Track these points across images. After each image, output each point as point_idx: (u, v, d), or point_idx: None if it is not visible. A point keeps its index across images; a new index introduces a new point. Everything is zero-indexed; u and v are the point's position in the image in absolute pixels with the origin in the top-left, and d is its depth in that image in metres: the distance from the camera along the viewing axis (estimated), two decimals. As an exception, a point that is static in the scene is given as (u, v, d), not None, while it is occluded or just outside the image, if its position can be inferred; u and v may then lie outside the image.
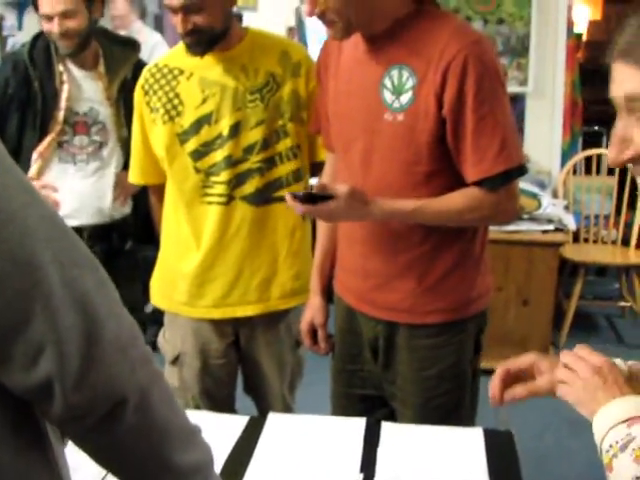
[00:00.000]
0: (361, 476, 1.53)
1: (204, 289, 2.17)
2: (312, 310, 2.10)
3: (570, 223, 3.79)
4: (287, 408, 2.32)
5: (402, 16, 1.72)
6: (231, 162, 2.07)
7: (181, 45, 2.12)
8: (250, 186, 2.10)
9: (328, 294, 2.12)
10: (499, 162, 1.69)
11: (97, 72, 2.61)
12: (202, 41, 2.01)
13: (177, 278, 2.20)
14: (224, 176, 2.08)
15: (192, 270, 2.16)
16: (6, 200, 0.77)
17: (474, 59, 1.65)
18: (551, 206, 3.82)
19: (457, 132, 1.69)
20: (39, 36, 2.58)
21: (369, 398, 2.04)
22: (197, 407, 2.21)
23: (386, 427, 1.72)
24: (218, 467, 1.55)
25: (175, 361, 2.25)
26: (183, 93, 2.09)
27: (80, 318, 0.80)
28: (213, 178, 2.09)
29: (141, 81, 2.17)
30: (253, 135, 2.07)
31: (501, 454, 1.62)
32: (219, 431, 1.68)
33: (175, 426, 0.93)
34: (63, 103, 2.52)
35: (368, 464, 1.57)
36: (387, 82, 1.73)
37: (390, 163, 1.76)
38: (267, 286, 2.17)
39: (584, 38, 6.72)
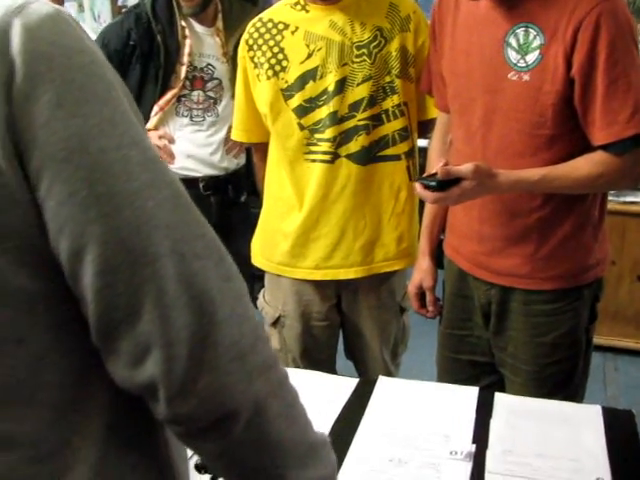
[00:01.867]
0: (474, 447, 1.49)
1: (306, 250, 2.14)
2: (421, 273, 2.07)
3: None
4: (389, 374, 2.28)
5: None
6: (336, 119, 2.02)
7: (287, 0, 2.07)
8: (356, 144, 2.04)
9: (437, 257, 2.07)
10: (631, 126, 1.61)
11: (216, 28, 2.60)
12: None
13: (279, 238, 2.18)
14: (329, 133, 2.03)
15: (294, 230, 2.13)
16: (125, 179, 0.70)
17: (607, 17, 1.56)
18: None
19: (587, 93, 1.61)
20: None
21: (477, 364, 2.01)
22: (297, 368, 2.20)
23: (499, 398, 1.68)
24: (327, 428, 1.54)
25: (276, 323, 2.24)
26: (288, 48, 2.04)
27: (195, 319, 0.71)
28: (317, 135, 2.04)
29: (245, 36, 2.13)
30: (359, 91, 2.01)
31: (621, 434, 1.56)
32: (328, 392, 1.67)
33: (293, 442, 0.83)
34: (185, 58, 2.53)
35: (480, 435, 1.54)
36: (512, 40, 1.66)
37: (512, 124, 1.70)
38: (371, 248, 2.13)
39: None
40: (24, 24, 0.69)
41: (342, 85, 2.00)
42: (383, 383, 1.74)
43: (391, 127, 2.05)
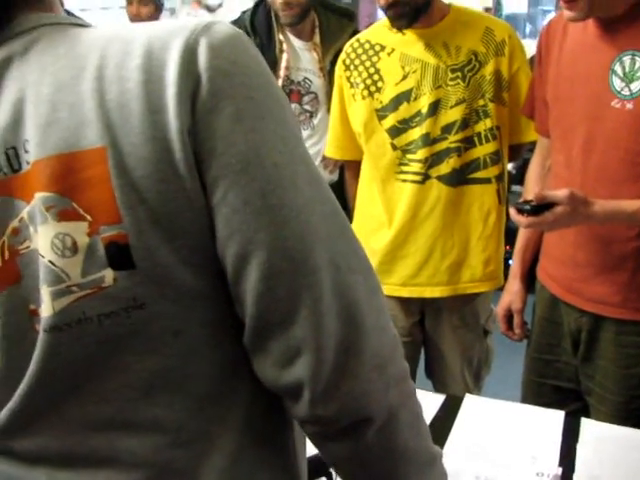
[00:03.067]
0: (560, 470, 1.49)
1: (394, 267, 2.17)
2: (510, 295, 2.07)
3: None
4: None
5: None
6: (429, 140, 2.05)
7: (383, 21, 2.11)
8: (447, 166, 2.07)
9: (527, 281, 2.08)
10: None
11: (313, 43, 2.66)
12: (405, 14, 1.99)
13: (368, 254, 2.20)
14: (421, 154, 2.06)
15: (383, 247, 2.17)
16: (294, 193, 0.75)
17: None
18: None
19: None
20: (260, 3, 2.65)
21: (562, 390, 1.99)
22: None
23: (586, 423, 1.67)
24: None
25: None
26: (384, 69, 2.08)
27: (345, 327, 0.75)
28: (409, 156, 2.08)
29: (343, 56, 2.17)
30: (452, 114, 2.04)
31: None
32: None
33: (416, 451, 0.86)
34: (282, 72, 2.60)
35: (567, 459, 1.54)
36: (617, 68, 1.66)
37: (613, 152, 1.70)
38: (457, 269, 2.15)
39: None
40: (209, 43, 0.74)
41: (435, 107, 2.04)
42: (470, 400, 1.76)
43: (483, 150, 2.08)
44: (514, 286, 2.07)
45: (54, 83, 0.73)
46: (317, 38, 2.66)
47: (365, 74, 2.10)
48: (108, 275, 0.73)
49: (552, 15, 1.87)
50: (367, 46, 2.13)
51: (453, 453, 1.55)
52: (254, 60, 0.77)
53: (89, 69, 0.73)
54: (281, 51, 2.61)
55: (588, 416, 1.89)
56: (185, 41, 0.74)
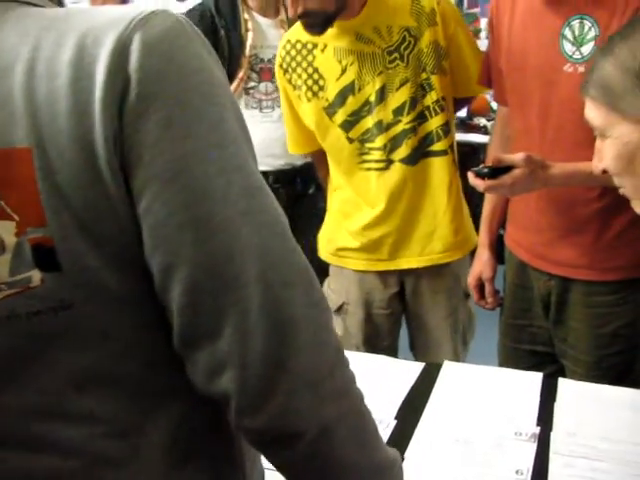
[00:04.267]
0: (538, 429, 1.52)
1: (370, 247, 2.20)
2: (480, 264, 2.11)
3: None
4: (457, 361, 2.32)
5: None
6: (383, 127, 2.06)
7: None
8: (406, 147, 2.08)
9: (497, 250, 2.11)
10: None
11: (280, 20, 2.66)
12: (316, 23, 1.95)
13: (343, 234, 2.24)
14: (379, 141, 2.08)
15: (358, 229, 2.20)
16: (224, 205, 0.71)
17: None
18: None
19: None
20: None
21: (538, 354, 2.03)
22: None
23: (563, 383, 1.70)
24: (393, 411, 1.59)
25: (339, 310, 2.30)
26: (321, 67, 2.07)
27: (274, 345, 0.72)
28: (368, 145, 2.09)
29: (278, 60, 2.16)
30: (400, 96, 2.04)
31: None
32: (394, 376, 1.72)
33: (357, 466, 0.83)
34: (248, 50, 2.59)
35: (545, 419, 1.56)
36: (567, 33, 1.69)
37: (569, 116, 1.72)
38: (429, 240, 2.18)
39: None
40: (144, 40, 0.70)
41: (382, 93, 2.04)
42: (448, 367, 1.79)
43: (434, 123, 2.09)
44: (483, 255, 2.10)
45: None
46: (284, 15, 2.65)
47: (305, 75, 2.09)
48: (35, 276, 0.72)
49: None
50: (299, 46, 2.10)
51: (432, 418, 1.58)
52: (194, 57, 0.73)
53: (21, 61, 0.70)
54: (247, 30, 2.60)
55: (564, 377, 1.94)
56: (118, 36, 0.70)
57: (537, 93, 1.77)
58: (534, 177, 1.67)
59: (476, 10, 5.53)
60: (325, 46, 2.05)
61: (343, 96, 2.06)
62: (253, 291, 0.72)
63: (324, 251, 2.34)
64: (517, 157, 1.65)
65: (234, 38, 2.60)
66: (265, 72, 2.65)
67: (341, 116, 2.07)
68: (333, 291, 2.33)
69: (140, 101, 0.69)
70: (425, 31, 2.01)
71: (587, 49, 1.66)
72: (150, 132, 0.69)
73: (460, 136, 4.26)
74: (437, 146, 2.10)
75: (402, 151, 2.08)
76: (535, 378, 1.72)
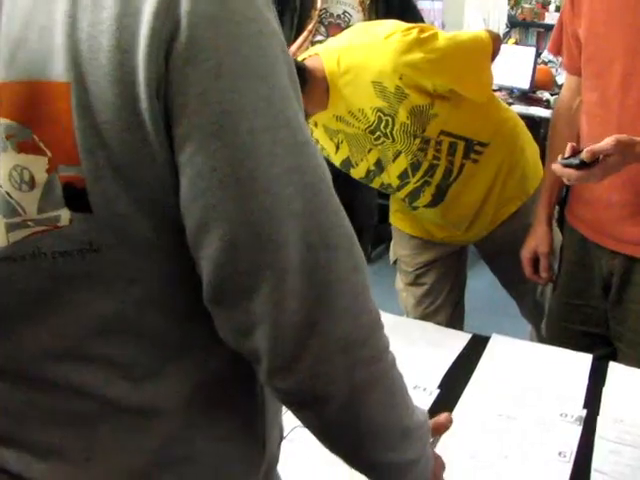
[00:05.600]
0: (584, 412, 1.48)
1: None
2: (536, 238, 2.03)
3: None
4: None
5: None
6: (394, 188, 2.03)
7: None
8: (424, 198, 2.03)
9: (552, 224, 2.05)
10: None
11: None
12: None
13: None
14: (399, 195, 2.06)
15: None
16: (269, 163, 0.68)
17: None
18: None
19: None
20: None
21: (590, 335, 1.96)
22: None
23: (613, 367, 1.66)
24: (437, 381, 1.56)
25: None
26: (321, 140, 2.00)
27: (310, 307, 0.71)
28: (391, 190, 2.08)
29: None
30: (399, 165, 1.95)
31: None
32: (442, 345, 1.69)
33: (385, 428, 0.83)
34: (319, 3, 2.54)
35: (592, 402, 1.53)
36: None
37: None
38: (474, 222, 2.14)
39: None
40: None
41: (380, 165, 1.97)
42: (495, 340, 1.75)
43: (445, 162, 1.98)
44: (540, 230, 2.03)
45: None
46: None
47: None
48: (64, 215, 0.70)
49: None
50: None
51: (476, 391, 1.54)
52: (248, 4, 0.69)
53: None
54: None
55: (616, 361, 1.88)
56: None
57: (620, 61, 1.68)
58: (624, 159, 1.59)
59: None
60: (316, 123, 1.95)
61: (346, 168, 2.03)
62: (293, 252, 0.70)
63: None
64: (608, 146, 1.56)
65: None
66: (333, 27, 2.59)
67: (353, 177, 2.07)
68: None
69: (190, 46, 0.65)
70: (399, 107, 1.82)
71: None
72: (198, 80, 0.66)
73: (522, 109, 4.18)
74: (454, 174, 2.01)
75: (422, 200, 2.04)
76: (585, 359, 1.68)
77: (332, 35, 2.55)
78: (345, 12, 2.59)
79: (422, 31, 1.78)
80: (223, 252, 0.69)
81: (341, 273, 0.72)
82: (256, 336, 0.72)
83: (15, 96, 0.66)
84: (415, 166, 1.95)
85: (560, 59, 1.95)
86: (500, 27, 5.11)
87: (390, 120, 1.84)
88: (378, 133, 1.88)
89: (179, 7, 0.65)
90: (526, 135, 2.17)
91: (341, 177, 2.16)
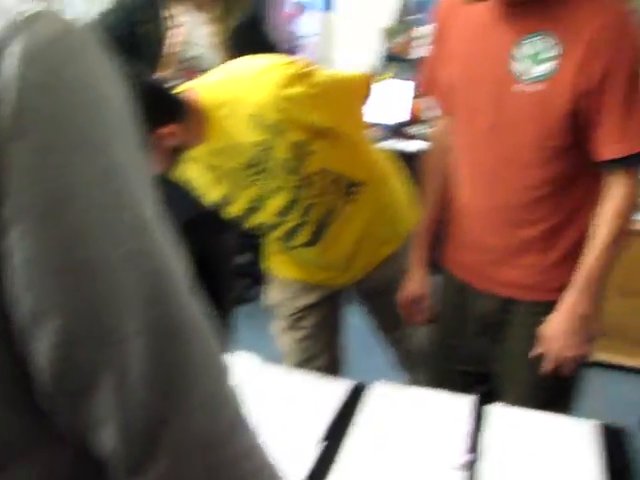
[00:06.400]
0: (469, 456, 1.48)
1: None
2: (412, 282, 2.04)
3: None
4: None
5: None
6: (271, 226, 1.99)
7: None
8: (302, 237, 2.00)
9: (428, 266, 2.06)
10: None
11: (207, 15, 2.45)
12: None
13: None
14: (273, 235, 2.03)
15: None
16: (108, 246, 0.62)
17: (623, 32, 1.57)
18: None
19: (602, 108, 1.60)
20: None
21: (470, 374, 1.99)
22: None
23: (494, 408, 1.67)
24: (319, 432, 1.53)
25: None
26: (198, 176, 1.94)
27: (159, 404, 0.64)
28: (266, 231, 2.04)
29: None
30: (277, 202, 1.92)
31: (616, 450, 1.54)
32: (322, 395, 1.65)
33: None
34: (175, 47, 2.44)
35: (474, 445, 1.52)
36: (523, 50, 1.63)
37: (519, 136, 1.68)
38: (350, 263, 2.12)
39: None
40: (26, 46, 0.59)
41: (258, 202, 1.93)
42: (376, 387, 1.73)
43: (323, 200, 1.96)
44: (415, 273, 2.04)
45: None
46: (215, 10, 2.44)
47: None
48: None
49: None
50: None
51: (359, 442, 1.52)
52: (85, 71, 0.62)
53: None
54: (171, 27, 2.40)
55: (496, 398, 1.90)
56: None
57: (489, 110, 1.71)
58: (571, 323, 1.73)
59: (415, 17, 5.51)
60: (195, 159, 1.88)
61: (224, 205, 1.96)
62: (137, 343, 0.63)
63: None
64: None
65: (155, 33, 2.39)
66: (189, 71, 2.48)
67: (230, 215, 1.98)
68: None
69: (16, 117, 0.58)
70: (277, 142, 1.79)
71: (544, 68, 1.61)
72: (25, 156, 0.59)
73: (398, 144, 4.24)
74: (343, 206, 2.00)
75: (300, 238, 2.00)
76: (466, 401, 1.68)
77: (190, 79, 2.47)
78: (202, 54, 2.46)
79: (303, 66, 1.77)
80: (57, 348, 0.61)
81: (193, 366, 0.66)
82: (102, 437, 0.64)
83: None
84: (294, 203, 1.92)
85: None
86: (375, 61, 5.19)
87: (268, 155, 1.81)
88: (257, 168, 1.84)
89: (2, 73, 0.58)
90: (399, 177, 2.19)
91: (207, 224, 2.16)
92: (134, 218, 0.64)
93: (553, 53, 1.60)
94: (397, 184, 2.17)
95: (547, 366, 1.77)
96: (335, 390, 1.71)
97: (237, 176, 1.87)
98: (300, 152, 1.84)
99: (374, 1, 5.15)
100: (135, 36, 2.37)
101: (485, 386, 1.96)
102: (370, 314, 2.30)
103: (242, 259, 3.70)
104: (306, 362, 2.21)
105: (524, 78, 1.63)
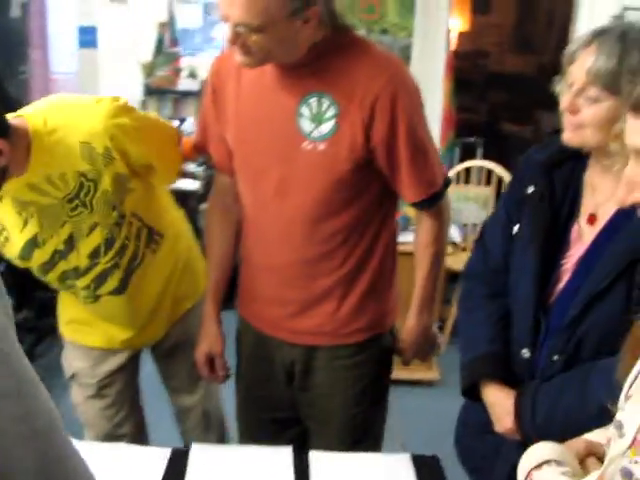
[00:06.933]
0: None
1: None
2: (209, 339, 2.00)
3: (455, 235, 3.85)
4: None
5: (317, 43, 1.65)
6: (80, 272, 1.91)
7: None
8: (112, 282, 1.96)
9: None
10: (436, 182, 1.80)
11: None
12: None
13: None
14: (80, 282, 1.94)
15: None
16: None
17: (402, 89, 1.67)
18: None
19: (391, 162, 1.71)
20: None
21: (279, 420, 2.01)
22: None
23: (315, 456, 1.69)
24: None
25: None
26: (3, 219, 1.84)
27: None
28: (70, 282, 1.95)
29: None
30: (92, 241, 1.87)
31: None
32: (143, 465, 1.61)
33: None
34: None
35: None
36: (305, 110, 1.68)
37: (308, 192, 1.73)
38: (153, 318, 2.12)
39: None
40: None
41: (71, 243, 1.86)
42: (197, 451, 1.70)
43: (139, 244, 1.96)
44: (211, 329, 2.00)
45: None
46: None
47: None
48: None
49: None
50: None
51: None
52: None
53: None
54: None
55: (308, 439, 1.94)
56: None
57: (274, 169, 1.74)
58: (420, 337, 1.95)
59: (177, 49, 5.50)
60: (1, 197, 1.76)
61: (29, 250, 1.85)
62: None
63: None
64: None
65: None
66: None
67: (35, 263, 1.89)
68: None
69: None
70: (104, 172, 1.77)
71: (327, 127, 1.67)
72: None
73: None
74: (147, 255, 1.99)
75: (108, 285, 1.95)
76: (286, 453, 1.70)
77: None
78: None
79: (126, 101, 1.84)
80: None
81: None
82: None
83: None
84: (109, 243, 1.87)
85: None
86: (136, 95, 5.12)
87: (92, 186, 1.78)
88: (77, 202, 1.79)
89: None
90: (191, 234, 2.21)
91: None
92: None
93: (331, 113, 1.66)
94: (192, 242, 2.20)
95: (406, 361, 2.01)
96: (154, 459, 1.65)
97: (52, 213, 1.79)
98: (122, 187, 1.82)
99: (135, 36, 5.09)
100: None
101: (298, 427, 1.99)
102: (167, 377, 2.28)
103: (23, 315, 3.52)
104: (113, 430, 2.15)
105: (311, 136, 1.68)
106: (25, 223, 1.82)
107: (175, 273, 2.08)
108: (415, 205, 1.82)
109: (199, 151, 1.99)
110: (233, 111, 1.80)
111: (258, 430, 2.01)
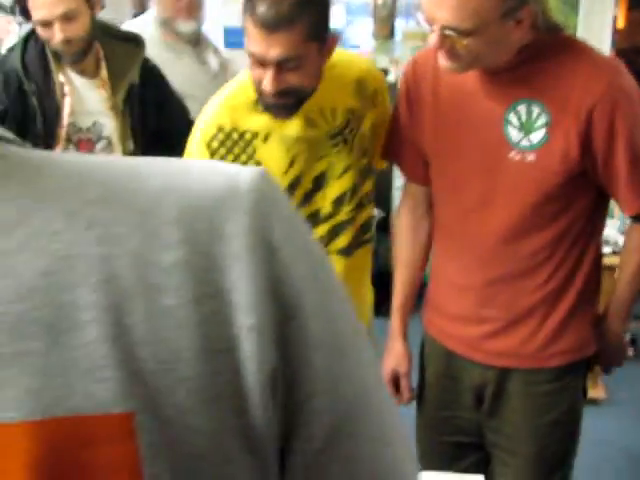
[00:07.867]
0: None
1: None
2: (395, 358, 1.91)
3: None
4: None
5: (526, 46, 1.54)
6: (319, 218, 1.82)
7: (242, 100, 1.73)
8: (344, 238, 1.86)
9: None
10: None
11: (100, 79, 2.28)
12: (292, 104, 1.66)
13: None
14: (318, 231, 1.84)
15: None
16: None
17: (622, 96, 1.55)
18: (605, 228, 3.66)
19: (608, 174, 1.59)
20: (30, 37, 2.24)
21: (461, 445, 1.91)
22: None
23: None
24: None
25: None
26: (265, 161, 1.74)
27: None
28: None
29: (207, 152, 1.76)
30: (342, 184, 1.81)
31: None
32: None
33: None
34: (66, 119, 2.21)
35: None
36: (512, 118, 1.59)
37: (514, 205, 1.63)
38: None
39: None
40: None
41: (321, 181, 1.80)
42: None
43: (368, 212, 1.91)
44: (398, 347, 1.91)
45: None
46: (104, 73, 2.27)
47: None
48: None
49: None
50: (235, 136, 1.73)
51: None
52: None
53: (86, 265, 0.44)
54: (63, 95, 2.19)
55: (488, 467, 1.86)
56: (250, 223, 0.49)
57: (477, 180, 1.66)
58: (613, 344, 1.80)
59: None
60: (268, 135, 1.73)
61: (291, 191, 1.77)
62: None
63: None
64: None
65: (48, 106, 2.19)
66: (84, 143, 2.25)
67: None
68: None
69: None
70: (367, 113, 1.80)
71: (537, 136, 1.57)
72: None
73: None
74: (368, 235, 1.93)
75: (340, 242, 1.86)
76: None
77: (83, 151, 2.24)
78: (95, 122, 2.28)
79: None
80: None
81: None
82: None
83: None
84: (354, 191, 1.83)
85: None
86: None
87: (356, 125, 1.80)
88: (339, 138, 1.78)
89: (277, 262, 0.48)
90: None
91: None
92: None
93: (542, 121, 1.56)
94: None
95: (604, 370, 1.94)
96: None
97: (315, 147, 1.76)
98: (375, 135, 1.85)
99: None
100: (28, 108, 2.18)
101: (478, 454, 1.89)
102: None
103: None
104: None
105: (519, 146, 1.58)
106: (291, 163, 1.75)
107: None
108: (634, 219, 1.70)
109: (386, 157, 1.90)
110: (430, 117, 1.71)
111: (439, 453, 1.92)
